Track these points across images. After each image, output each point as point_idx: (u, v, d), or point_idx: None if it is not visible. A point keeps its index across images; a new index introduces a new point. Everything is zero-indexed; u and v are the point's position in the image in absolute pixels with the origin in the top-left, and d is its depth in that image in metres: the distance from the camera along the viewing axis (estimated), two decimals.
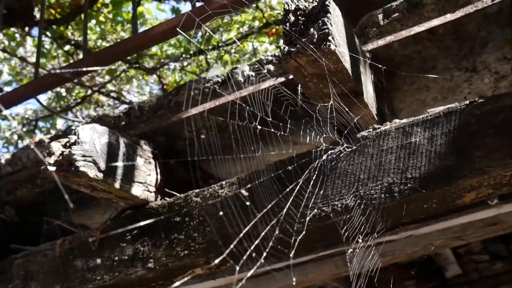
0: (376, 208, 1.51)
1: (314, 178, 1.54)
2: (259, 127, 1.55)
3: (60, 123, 10.72)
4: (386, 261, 2.45)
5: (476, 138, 1.49)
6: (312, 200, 1.55)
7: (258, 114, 1.71)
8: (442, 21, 1.80)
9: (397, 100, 2.22)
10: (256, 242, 1.44)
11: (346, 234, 1.47)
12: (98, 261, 1.93)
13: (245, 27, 8.39)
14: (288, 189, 1.55)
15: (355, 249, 1.49)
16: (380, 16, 1.92)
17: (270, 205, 1.49)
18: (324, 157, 1.50)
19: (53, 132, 10.99)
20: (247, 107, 1.81)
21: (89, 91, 9.37)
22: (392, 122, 1.64)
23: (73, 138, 1.69)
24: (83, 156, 1.64)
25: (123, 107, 2.24)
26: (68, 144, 1.68)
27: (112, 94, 9.76)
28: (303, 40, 1.34)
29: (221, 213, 1.75)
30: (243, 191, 1.42)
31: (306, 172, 1.50)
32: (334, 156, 1.51)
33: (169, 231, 1.83)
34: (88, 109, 10.35)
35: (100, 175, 1.70)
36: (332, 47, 1.32)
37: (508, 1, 1.81)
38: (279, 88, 1.79)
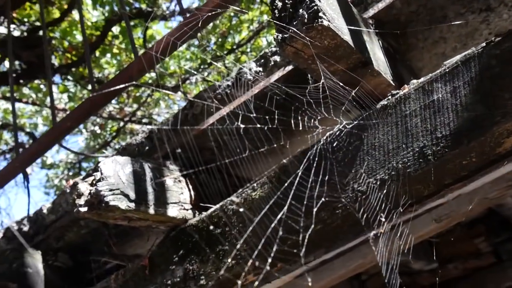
0: (412, 176, 1.44)
1: (315, 165, 1.48)
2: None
3: None
4: (444, 226, 2.35)
5: (501, 80, 1.39)
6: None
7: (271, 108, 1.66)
8: None
9: (415, 60, 2.12)
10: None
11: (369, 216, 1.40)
12: None
13: (254, 24, 8.33)
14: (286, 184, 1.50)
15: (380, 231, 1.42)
16: None
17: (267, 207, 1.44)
18: (322, 140, 1.43)
19: None
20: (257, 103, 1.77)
21: (121, 123, 9.54)
22: (409, 83, 1.56)
23: (97, 175, 1.69)
24: (110, 190, 1.64)
25: (144, 132, 2.24)
26: (94, 182, 1.68)
27: (143, 120, 9.90)
28: (294, 23, 1.29)
29: (257, 218, 1.72)
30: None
31: (305, 161, 1.44)
32: (335, 137, 1.44)
33: (213, 244, 1.81)
34: (125, 140, 10.54)
35: (132, 205, 1.69)
36: (325, 22, 1.26)
37: None
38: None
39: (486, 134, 1.39)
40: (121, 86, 1.83)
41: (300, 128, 1.46)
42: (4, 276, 2.34)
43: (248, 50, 8.33)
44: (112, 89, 1.83)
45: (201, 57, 8.16)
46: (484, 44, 1.46)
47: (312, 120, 1.48)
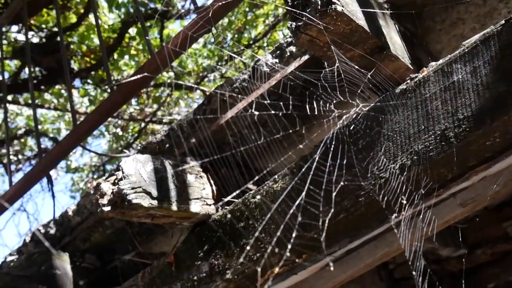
0: (435, 160, 1.41)
1: (332, 149, 1.46)
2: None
3: None
4: (470, 210, 2.31)
5: None
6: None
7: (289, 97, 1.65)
8: None
9: (433, 42, 2.08)
10: None
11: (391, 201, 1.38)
12: (179, 284, 1.94)
13: (270, 18, 8.30)
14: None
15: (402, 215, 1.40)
16: None
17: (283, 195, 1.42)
18: (339, 124, 1.41)
19: None
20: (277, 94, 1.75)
21: (143, 124, 9.62)
22: (428, 66, 1.53)
23: (119, 174, 1.71)
24: (133, 188, 1.65)
25: (163, 130, 2.25)
26: (116, 181, 1.69)
27: (164, 120, 9.95)
28: (307, 10, 1.27)
29: (280, 208, 1.71)
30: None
31: (321, 145, 1.42)
32: (352, 120, 1.41)
33: (237, 238, 1.81)
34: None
35: (155, 202, 1.70)
36: (339, 8, 1.24)
37: None
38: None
39: (510, 113, 1.35)
40: (137, 77, 1.83)
41: (316, 113, 1.45)
42: (34, 278, 2.38)
43: (265, 44, 8.31)
44: (130, 79, 1.84)
45: (218, 54, 8.17)
46: (503, 22, 1.42)
47: (328, 104, 1.46)
